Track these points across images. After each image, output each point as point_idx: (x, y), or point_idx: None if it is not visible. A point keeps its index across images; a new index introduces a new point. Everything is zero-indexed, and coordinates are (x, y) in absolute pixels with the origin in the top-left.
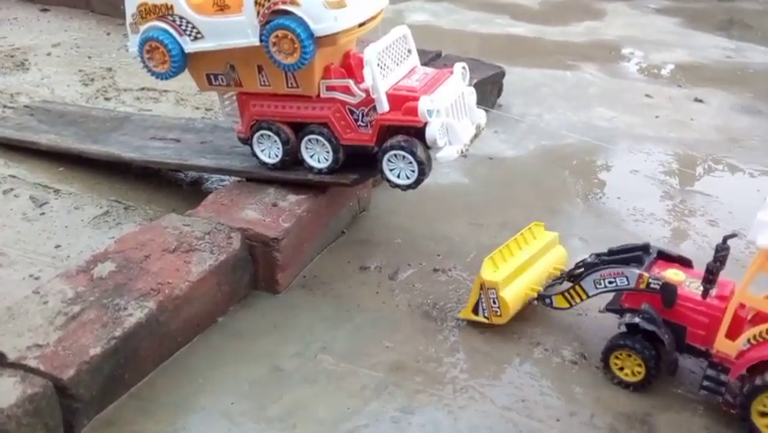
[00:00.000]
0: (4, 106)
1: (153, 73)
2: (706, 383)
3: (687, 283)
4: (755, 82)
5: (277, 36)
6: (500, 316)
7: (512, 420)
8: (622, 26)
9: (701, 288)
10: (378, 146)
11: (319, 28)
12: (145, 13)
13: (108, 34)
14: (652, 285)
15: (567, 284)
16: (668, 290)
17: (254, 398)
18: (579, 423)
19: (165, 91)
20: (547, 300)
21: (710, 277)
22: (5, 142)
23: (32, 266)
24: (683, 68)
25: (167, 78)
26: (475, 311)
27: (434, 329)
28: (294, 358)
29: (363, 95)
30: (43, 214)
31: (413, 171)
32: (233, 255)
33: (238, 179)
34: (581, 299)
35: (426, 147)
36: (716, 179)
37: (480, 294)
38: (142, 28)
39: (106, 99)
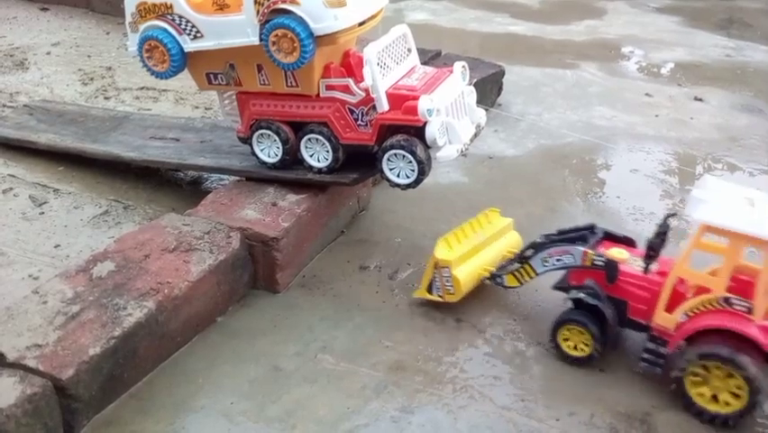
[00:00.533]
0: (4, 106)
1: (153, 72)
2: (646, 356)
3: (630, 261)
4: (755, 81)
5: (276, 35)
6: (453, 294)
7: (512, 420)
8: (622, 25)
9: (643, 264)
10: (378, 145)
11: (319, 27)
12: (144, 12)
13: (108, 33)
14: (596, 262)
15: (517, 264)
16: (611, 267)
17: (254, 398)
18: (578, 423)
19: (164, 90)
20: (498, 280)
21: (651, 253)
22: (5, 141)
23: (31, 266)
24: (683, 66)
25: (166, 78)
26: (429, 290)
27: (433, 329)
28: (293, 358)
29: (363, 94)
30: (42, 213)
31: (413, 171)
32: (232, 255)
33: (237, 178)
34: (531, 277)
35: (426, 146)
36: (715, 177)
37: (435, 273)
38: (142, 27)
39: (106, 98)
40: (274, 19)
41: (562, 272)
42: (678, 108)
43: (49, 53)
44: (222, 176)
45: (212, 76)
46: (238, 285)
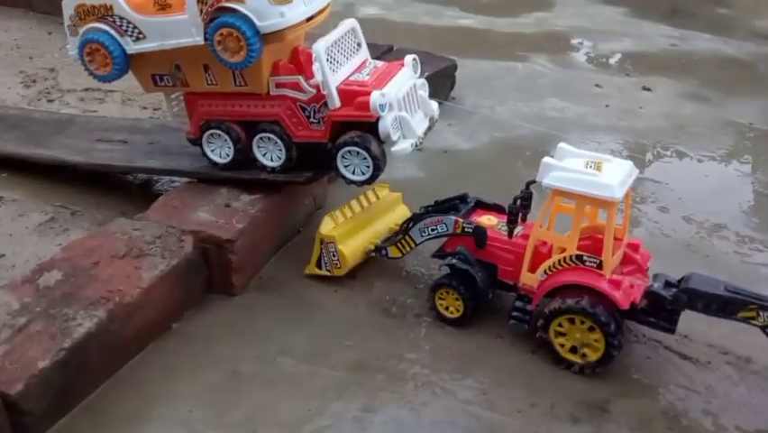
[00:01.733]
0: None
1: (95, 76)
2: (514, 314)
3: (498, 227)
4: (700, 69)
5: (222, 34)
6: (340, 268)
7: (474, 414)
8: (571, 16)
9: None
10: (331, 143)
11: (265, 25)
12: (84, 14)
13: (50, 34)
14: (466, 229)
15: (399, 235)
16: (479, 233)
17: (213, 404)
18: (540, 413)
19: (110, 91)
20: (383, 252)
21: (512, 218)
22: None
23: None
24: (631, 56)
25: (110, 81)
26: (318, 266)
27: (393, 326)
28: (252, 362)
29: (314, 91)
30: None
31: (368, 167)
32: (185, 259)
33: (189, 180)
34: (411, 247)
35: (380, 141)
36: (665, 165)
37: (321, 249)
38: (82, 30)
39: (49, 101)
40: (218, 18)
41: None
42: (627, 98)
43: None
44: (172, 178)
45: (158, 77)
46: (193, 290)
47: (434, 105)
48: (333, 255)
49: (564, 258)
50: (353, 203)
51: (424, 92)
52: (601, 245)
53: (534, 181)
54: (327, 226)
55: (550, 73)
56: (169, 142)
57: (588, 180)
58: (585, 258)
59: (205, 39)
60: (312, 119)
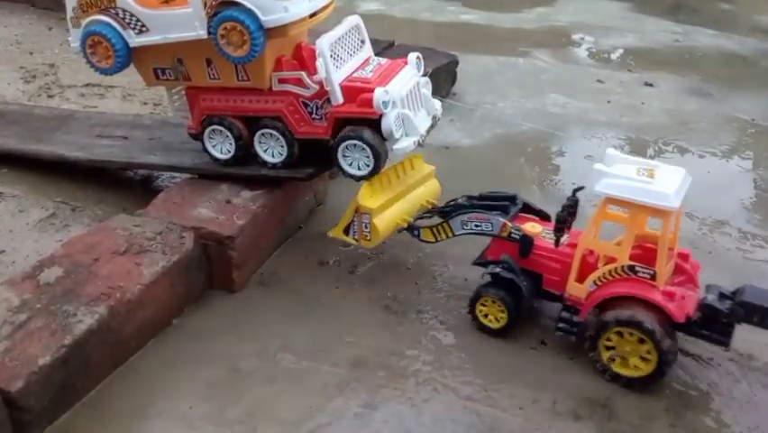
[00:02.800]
0: None
1: (97, 69)
2: (561, 325)
3: (543, 235)
4: (703, 65)
5: (225, 28)
6: (369, 240)
7: (476, 411)
8: (573, 12)
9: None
10: (333, 139)
11: (269, 19)
12: (86, 6)
13: (50, 29)
14: (513, 234)
15: (437, 219)
16: (526, 241)
17: (213, 401)
18: (542, 410)
19: (111, 87)
20: (415, 232)
21: (559, 226)
22: None
23: None
24: (633, 52)
25: (111, 74)
26: (346, 232)
27: (395, 322)
28: (253, 358)
29: (317, 87)
30: None
31: (369, 161)
32: (186, 255)
33: (190, 176)
34: (447, 236)
35: (382, 137)
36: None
37: (354, 217)
38: (84, 22)
39: (50, 97)
40: (222, 12)
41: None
42: (629, 94)
43: None
44: (173, 174)
45: (159, 71)
46: (193, 286)
47: (437, 103)
48: (366, 227)
49: (616, 268)
50: (390, 172)
51: (427, 90)
52: (651, 255)
53: (581, 188)
54: (365, 196)
55: (552, 69)
56: (170, 138)
57: (643, 188)
58: (638, 269)
59: (209, 33)
60: (314, 115)
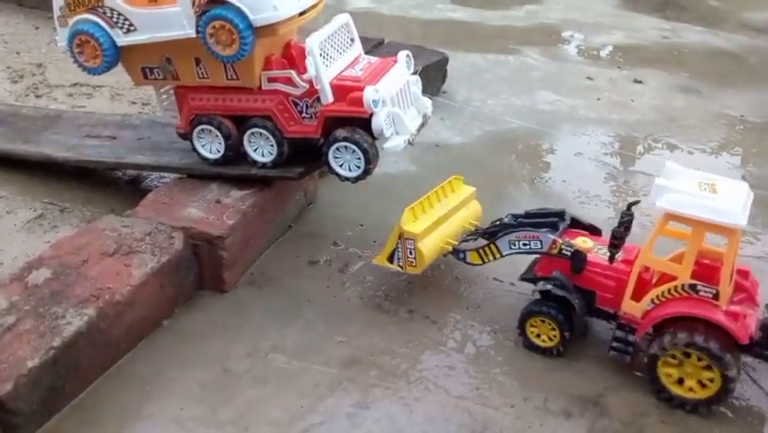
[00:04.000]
0: None
1: (85, 68)
2: (615, 344)
3: (595, 250)
4: (691, 62)
5: (214, 27)
6: (415, 266)
7: (467, 409)
8: (562, 9)
9: (608, 253)
10: (323, 138)
11: (258, 18)
12: (74, 5)
13: (37, 29)
14: (564, 251)
15: (482, 241)
16: (578, 258)
17: (205, 402)
18: (533, 408)
19: (99, 86)
20: (461, 255)
21: (615, 242)
22: None
23: None
24: (622, 49)
25: (99, 73)
26: (390, 260)
27: (386, 321)
28: (244, 359)
29: (306, 86)
30: None
31: (360, 163)
32: (175, 256)
33: (179, 175)
34: (495, 258)
35: (373, 137)
36: (656, 158)
37: (398, 243)
38: (71, 21)
39: (37, 97)
40: (211, 10)
41: (524, 261)
42: (618, 91)
43: None
44: (162, 174)
45: (148, 70)
46: (183, 287)
47: (428, 101)
48: (410, 253)
49: (676, 287)
50: (431, 196)
51: (417, 89)
52: (707, 271)
53: (636, 202)
54: (409, 222)
55: (541, 66)
56: (159, 138)
57: (707, 205)
58: (699, 287)
59: (197, 31)
60: (304, 114)
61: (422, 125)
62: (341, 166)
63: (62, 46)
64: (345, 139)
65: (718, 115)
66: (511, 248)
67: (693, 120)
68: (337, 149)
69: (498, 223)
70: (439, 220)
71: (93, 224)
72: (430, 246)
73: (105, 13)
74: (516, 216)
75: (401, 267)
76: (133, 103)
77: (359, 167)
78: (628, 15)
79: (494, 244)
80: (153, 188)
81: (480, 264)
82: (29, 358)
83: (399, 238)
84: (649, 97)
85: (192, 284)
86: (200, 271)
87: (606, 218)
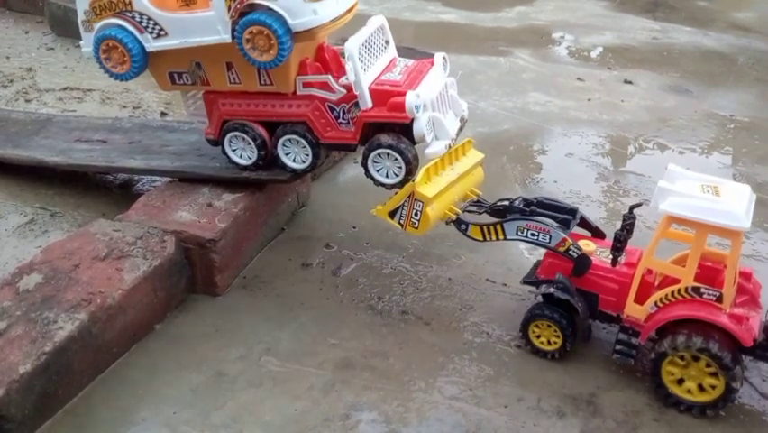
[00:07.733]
0: None
1: (112, 74)
2: (618, 347)
3: (597, 253)
4: (681, 62)
5: (251, 32)
6: (416, 228)
7: (461, 410)
8: (552, 11)
9: (611, 256)
10: (361, 144)
11: (297, 23)
12: (100, 9)
13: (27, 33)
14: (571, 252)
15: (486, 217)
16: (583, 262)
17: (197, 406)
18: (527, 408)
19: (89, 90)
20: (463, 227)
21: (618, 245)
22: None
23: None
24: (612, 50)
25: (127, 80)
26: (392, 215)
27: (379, 323)
28: (237, 362)
29: (344, 91)
30: None
31: (399, 171)
32: (167, 260)
33: (170, 179)
34: (497, 239)
35: (413, 143)
36: (647, 158)
37: (405, 201)
38: (97, 26)
39: (27, 101)
40: (248, 15)
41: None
42: (609, 92)
43: None
44: (153, 177)
45: (176, 75)
46: (175, 290)
47: (464, 104)
48: (416, 214)
49: (679, 289)
50: (445, 157)
51: (454, 91)
52: (710, 273)
53: (638, 205)
54: (423, 183)
55: (532, 67)
56: (150, 141)
57: (710, 208)
58: (703, 290)
59: (233, 37)
60: (341, 120)
61: (460, 129)
62: (378, 171)
63: (87, 51)
64: (390, 147)
65: (708, 115)
66: (518, 234)
67: (683, 120)
68: (378, 154)
69: (507, 203)
70: (449, 186)
71: (84, 228)
72: (437, 212)
73: (133, 17)
74: (528, 202)
75: (401, 225)
76: (124, 107)
77: (397, 175)
78: (618, 16)
79: (501, 225)
80: (144, 191)
81: (480, 240)
82: (21, 364)
83: (409, 197)
84: (639, 98)
85: (184, 288)
86: (192, 274)
87: (597, 219)
